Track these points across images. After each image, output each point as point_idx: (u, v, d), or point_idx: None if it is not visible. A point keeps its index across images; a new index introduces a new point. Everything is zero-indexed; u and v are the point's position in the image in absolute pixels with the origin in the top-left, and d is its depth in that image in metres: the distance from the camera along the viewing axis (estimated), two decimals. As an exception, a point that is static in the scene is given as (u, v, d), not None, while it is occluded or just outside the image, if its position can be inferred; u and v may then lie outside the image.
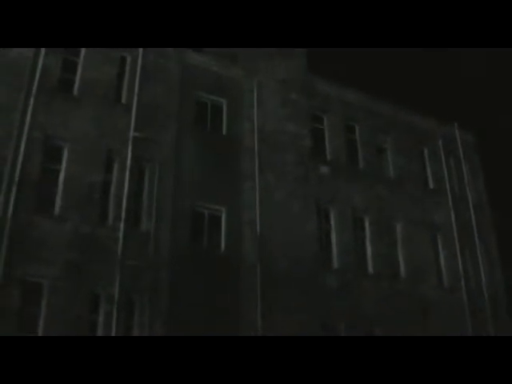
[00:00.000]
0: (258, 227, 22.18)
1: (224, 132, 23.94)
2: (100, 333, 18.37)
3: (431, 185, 28.76)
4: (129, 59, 22.17)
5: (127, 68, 22.17)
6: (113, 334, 18.22)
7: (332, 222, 24.90)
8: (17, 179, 18.19)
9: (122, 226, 19.66)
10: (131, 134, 20.90)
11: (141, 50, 21.83)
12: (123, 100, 21.79)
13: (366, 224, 25.77)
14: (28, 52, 19.54)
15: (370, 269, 25.04)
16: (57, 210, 19.10)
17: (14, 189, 18.04)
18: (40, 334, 17.51)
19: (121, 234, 19.53)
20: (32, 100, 19.26)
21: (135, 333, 18.94)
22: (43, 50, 19.71)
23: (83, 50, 21.08)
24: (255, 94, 24.71)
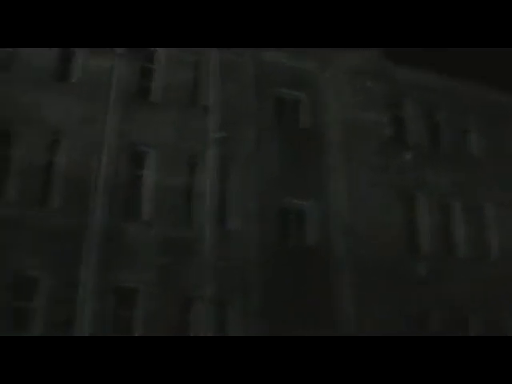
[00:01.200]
0: (344, 218, 21.98)
1: (304, 125, 23.77)
2: (194, 333, 18.69)
3: (519, 164, 27.81)
4: (203, 61, 22.33)
5: (202, 70, 22.29)
6: (208, 335, 18.53)
7: (418, 208, 24.44)
8: (104, 188, 18.70)
9: (209, 227, 19.93)
10: (212, 134, 21.10)
11: (214, 50, 21.94)
12: (201, 102, 21.89)
13: (454, 208, 25.15)
14: (106, 63, 19.98)
15: (460, 253, 24.51)
16: (144, 215, 19.54)
17: (103, 197, 18.57)
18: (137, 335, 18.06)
19: (208, 236, 19.78)
20: (113, 109, 19.76)
21: (229, 333, 19.15)
22: (120, 59, 20.16)
23: (158, 56, 21.44)
24: (332, 86, 24.54)
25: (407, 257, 22.75)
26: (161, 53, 21.22)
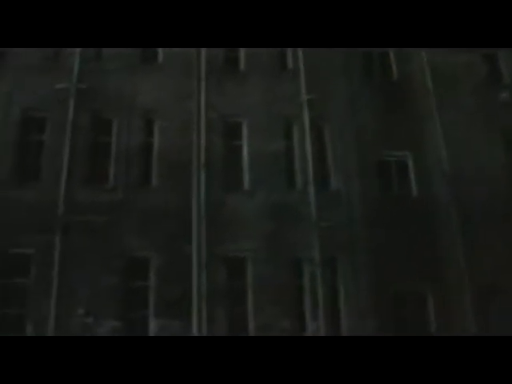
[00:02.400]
0: (446, 166, 21.47)
1: (394, 76, 23.09)
2: (307, 297, 18.89)
3: None
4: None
5: (287, 34, 22.14)
6: (319, 297, 18.71)
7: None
8: (204, 161, 19.09)
9: (311, 188, 19.87)
10: (304, 97, 20.99)
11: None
12: (289, 66, 21.85)
13: None
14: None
15: None
16: (246, 184, 19.76)
17: (203, 170, 18.98)
18: (250, 306, 18.38)
19: (312, 197, 19.74)
20: (204, 83, 20.08)
21: (341, 292, 19.23)
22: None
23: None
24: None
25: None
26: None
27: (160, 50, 20.43)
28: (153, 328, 17.89)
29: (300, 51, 21.42)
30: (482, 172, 21.40)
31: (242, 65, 21.26)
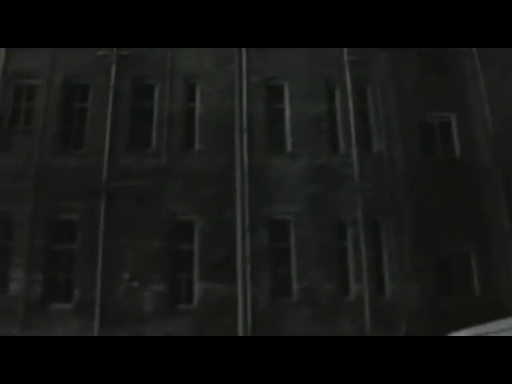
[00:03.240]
0: (490, 127, 21.16)
1: (437, 35, 22.68)
2: (350, 259, 18.94)
3: None
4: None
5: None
6: (363, 260, 18.75)
7: None
8: (246, 124, 19.14)
9: (354, 151, 19.78)
10: (346, 58, 20.82)
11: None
12: (330, 26, 21.64)
13: None
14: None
15: None
16: (288, 147, 19.73)
17: (245, 133, 19.03)
18: (293, 269, 18.50)
19: (354, 159, 19.65)
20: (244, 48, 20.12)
21: (384, 255, 19.24)
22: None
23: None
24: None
25: None
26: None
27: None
28: (197, 291, 18.12)
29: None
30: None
31: (284, 27, 21.19)
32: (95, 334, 17.52)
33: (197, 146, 19.54)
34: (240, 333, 17.04)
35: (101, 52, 19.60)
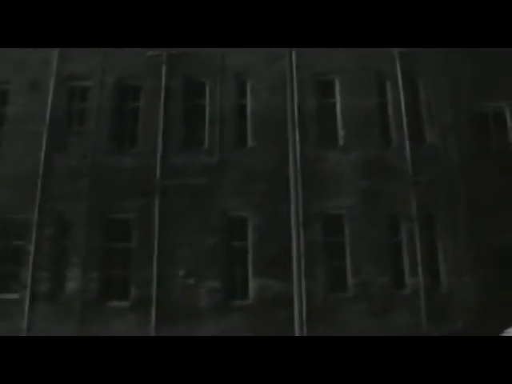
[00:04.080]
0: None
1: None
2: (405, 253, 18.90)
3: None
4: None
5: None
6: (418, 254, 18.70)
7: None
8: (298, 119, 19.27)
9: (407, 143, 19.67)
10: (396, 50, 20.58)
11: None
12: (380, 19, 21.58)
13: None
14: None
15: None
16: (340, 141, 19.72)
17: (297, 129, 19.16)
18: (348, 263, 18.53)
19: (407, 152, 19.53)
20: (293, 45, 20.22)
21: (440, 248, 19.15)
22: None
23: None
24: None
25: None
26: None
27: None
28: (252, 287, 18.29)
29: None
30: None
31: (333, 21, 21.23)
32: (151, 330, 17.80)
33: (249, 142, 19.69)
34: (296, 328, 17.20)
35: (151, 52, 19.93)
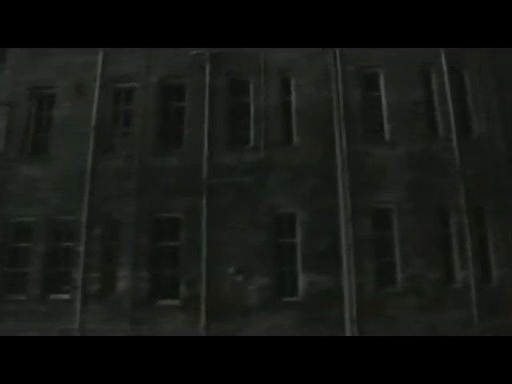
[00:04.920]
0: None
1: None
2: (455, 246, 18.87)
3: None
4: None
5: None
6: (468, 247, 18.65)
7: None
8: (343, 114, 19.48)
9: (453, 135, 19.58)
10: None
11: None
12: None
13: None
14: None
15: None
16: (387, 134, 19.71)
17: (343, 123, 19.36)
18: (397, 257, 18.53)
19: (454, 144, 19.44)
20: (337, 36, 20.28)
21: (490, 241, 19.11)
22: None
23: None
24: None
25: None
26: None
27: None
28: (302, 283, 18.40)
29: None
30: None
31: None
32: (201, 328, 18.09)
33: (295, 138, 19.76)
34: (347, 323, 17.41)
35: (194, 51, 20.21)
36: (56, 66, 21.47)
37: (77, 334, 18.58)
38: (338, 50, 19.86)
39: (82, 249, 19.55)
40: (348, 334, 17.27)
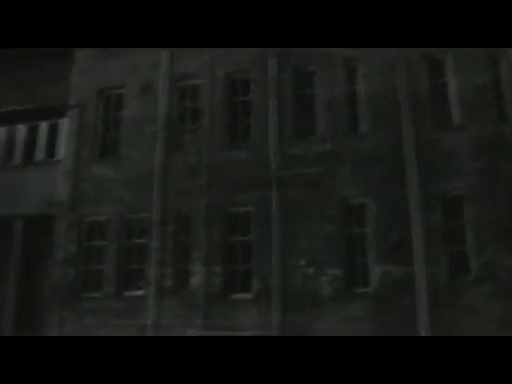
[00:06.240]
0: None
1: None
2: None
3: None
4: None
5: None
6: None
7: None
8: (410, 100, 19.73)
9: (524, 117, 18.92)
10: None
11: None
12: None
13: None
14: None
15: None
16: (455, 120, 19.72)
17: (409, 112, 19.43)
18: (470, 245, 18.39)
19: (526, 127, 18.83)
20: (402, 23, 20.49)
21: None
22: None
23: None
24: None
25: None
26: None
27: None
28: (374, 274, 18.64)
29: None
30: None
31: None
32: (274, 322, 18.65)
33: (362, 127, 20.03)
34: (420, 313, 17.64)
35: (258, 46, 20.77)
36: (123, 67, 22.42)
37: (152, 329, 19.35)
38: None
39: (154, 245, 20.31)
40: (421, 323, 17.50)
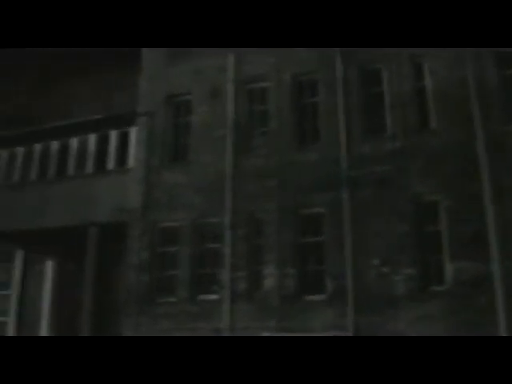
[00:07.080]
0: None
1: None
2: None
3: None
4: None
5: None
6: None
7: None
8: (479, 94, 19.60)
9: None
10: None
11: None
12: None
13: None
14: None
15: None
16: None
17: (480, 104, 19.55)
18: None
19: None
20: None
21: None
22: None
23: None
24: None
25: None
26: None
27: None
28: (448, 272, 18.44)
29: None
30: None
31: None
32: (349, 322, 18.87)
33: (432, 123, 19.92)
34: (499, 312, 17.53)
35: (322, 46, 21.04)
36: (189, 73, 23.03)
37: (227, 332, 19.87)
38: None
39: (227, 249, 20.81)
40: (498, 322, 17.39)
